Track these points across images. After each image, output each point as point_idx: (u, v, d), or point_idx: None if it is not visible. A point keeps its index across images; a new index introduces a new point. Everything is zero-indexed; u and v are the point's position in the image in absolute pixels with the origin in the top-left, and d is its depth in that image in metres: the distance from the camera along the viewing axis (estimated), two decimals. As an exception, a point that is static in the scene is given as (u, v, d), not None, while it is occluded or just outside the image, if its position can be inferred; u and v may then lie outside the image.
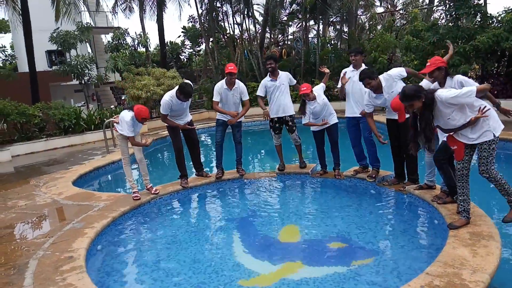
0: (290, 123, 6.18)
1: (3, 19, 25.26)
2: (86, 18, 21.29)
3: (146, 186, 5.78)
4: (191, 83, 5.78)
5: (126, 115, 5.27)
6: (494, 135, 3.41)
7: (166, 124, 5.97)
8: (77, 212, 5.22)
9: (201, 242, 4.44)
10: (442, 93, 3.40)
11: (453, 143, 3.57)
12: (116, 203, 5.41)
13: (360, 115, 5.46)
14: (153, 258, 4.13)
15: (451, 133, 3.59)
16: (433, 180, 4.75)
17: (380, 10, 26.63)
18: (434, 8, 17.90)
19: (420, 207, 4.73)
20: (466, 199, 3.66)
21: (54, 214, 5.39)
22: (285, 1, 21.74)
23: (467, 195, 3.66)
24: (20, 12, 14.39)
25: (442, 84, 3.98)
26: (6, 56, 19.40)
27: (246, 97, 6.16)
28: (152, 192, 5.71)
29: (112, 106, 18.00)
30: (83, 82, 16.11)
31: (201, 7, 20.13)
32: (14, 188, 7.19)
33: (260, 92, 6.27)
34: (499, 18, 11.88)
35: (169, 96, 5.61)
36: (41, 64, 18.56)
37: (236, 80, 6.04)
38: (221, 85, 6.03)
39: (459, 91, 3.34)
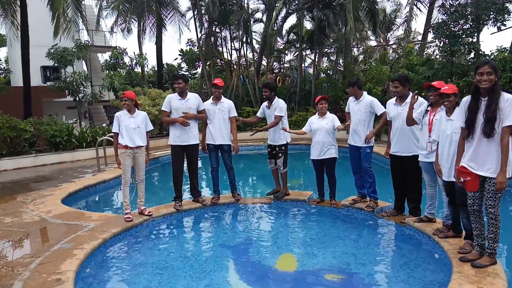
0: (276, 150, 6.13)
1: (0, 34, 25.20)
2: (84, 36, 21.36)
3: (139, 209, 5.62)
4: None
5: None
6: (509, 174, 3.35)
7: (169, 143, 5.93)
8: (66, 231, 5.02)
9: (194, 269, 4.26)
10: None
11: (465, 174, 3.47)
12: (107, 224, 5.23)
13: (360, 145, 5.45)
14: (144, 283, 3.95)
15: (462, 164, 3.50)
16: (433, 213, 4.69)
17: (373, 43, 27.32)
18: (428, 44, 18.42)
19: (420, 241, 4.64)
20: (480, 234, 3.59)
21: (42, 233, 5.17)
22: (282, 30, 22.23)
23: (481, 230, 3.58)
24: (19, 26, 14.38)
25: (449, 112, 3.96)
26: (1, 69, 19.22)
27: (233, 114, 6.06)
28: (146, 214, 5.55)
29: (104, 125, 17.82)
30: (77, 99, 15.98)
31: (200, 31, 20.42)
32: None
33: (258, 113, 6.49)
34: (492, 57, 12.19)
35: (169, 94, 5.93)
36: (35, 79, 18.39)
37: (224, 97, 6.09)
38: (207, 101, 6.14)
39: None
